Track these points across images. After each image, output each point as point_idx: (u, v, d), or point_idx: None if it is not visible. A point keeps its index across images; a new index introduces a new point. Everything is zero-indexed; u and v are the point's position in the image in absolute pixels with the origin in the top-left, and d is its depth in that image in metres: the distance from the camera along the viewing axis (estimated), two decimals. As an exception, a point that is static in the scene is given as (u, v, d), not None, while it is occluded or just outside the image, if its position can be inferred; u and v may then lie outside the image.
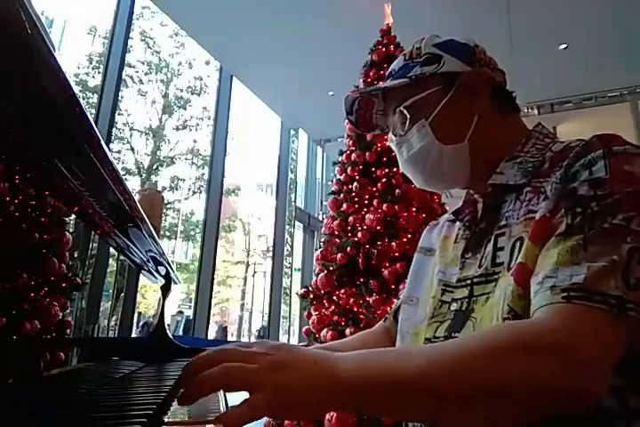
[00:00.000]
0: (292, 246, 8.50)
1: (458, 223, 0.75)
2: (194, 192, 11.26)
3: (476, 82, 0.69)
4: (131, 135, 10.47)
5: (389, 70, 0.75)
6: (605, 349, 0.44)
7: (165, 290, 1.23)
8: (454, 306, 0.64)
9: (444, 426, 0.49)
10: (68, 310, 0.64)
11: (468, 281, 0.64)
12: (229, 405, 0.58)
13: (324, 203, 6.00)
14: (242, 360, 0.40)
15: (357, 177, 3.58)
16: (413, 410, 0.44)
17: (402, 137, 0.71)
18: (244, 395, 0.39)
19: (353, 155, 3.65)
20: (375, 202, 3.40)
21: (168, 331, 1.17)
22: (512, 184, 0.64)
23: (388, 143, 0.81)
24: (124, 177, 0.66)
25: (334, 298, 3.32)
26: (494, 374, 0.42)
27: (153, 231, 0.91)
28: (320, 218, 7.83)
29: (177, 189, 11.19)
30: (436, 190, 0.78)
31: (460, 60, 0.70)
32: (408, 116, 0.69)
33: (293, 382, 0.39)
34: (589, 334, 0.44)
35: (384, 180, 3.48)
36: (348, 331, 3.12)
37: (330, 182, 4.05)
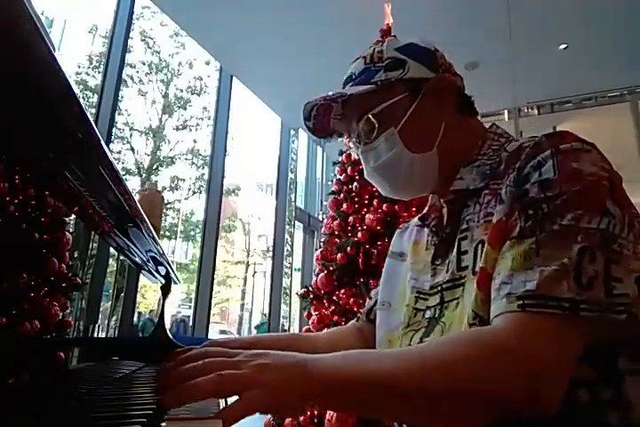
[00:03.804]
0: (292, 246, 8.51)
1: (426, 229, 0.75)
2: (194, 192, 11.27)
3: (442, 88, 0.68)
4: (131, 135, 10.48)
5: (348, 74, 0.73)
6: (559, 355, 0.46)
7: (165, 290, 1.23)
8: (428, 314, 0.65)
9: (407, 424, 0.56)
10: (68, 310, 0.64)
11: (439, 288, 0.64)
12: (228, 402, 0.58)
13: (324, 203, 6.00)
14: (230, 368, 0.42)
15: (357, 177, 3.58)
16: (378, 408, 0.46)
17: (368, 145, 0.70)
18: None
19: (353, 155, 3.64)
20: (375, 202, 3.41)
21: (168, 331, 1.17)
22: (472, 189, 0.64)
23: (352, 151, 0.78)
24: (124, 177, 0.66)
25: (334, 298, 3.32)
26: (453, 380, 0.44)
27: (153, 231, 0.91)
28: (320, 218, 7.83)
29: (177, 189, 11.21)
30: (402, 198, 0.76)
31: (424, 65, 0.68)
32: (376, 124, 0.67)
33: (279, 381, 0.42)
34: (543, 342, 0.46)
35: (384, 180, 3.47)
36: (348, 331, 3.12)
37: (330, 182, 4.05)
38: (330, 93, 0.68)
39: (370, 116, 0.67)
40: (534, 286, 0.47)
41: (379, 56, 0.69)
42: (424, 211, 0.77)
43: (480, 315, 0.54)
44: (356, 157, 0.77)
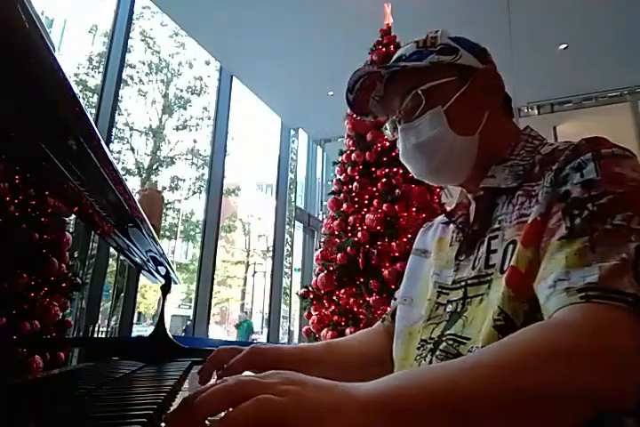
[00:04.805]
0: (292, 246, 8.51)
1: (452, 225, 0.75)
2: (194, 192, 11.28)
3: (491, 80, 0.70)
4: (131, 135, 10.49)
5: (398, 55, 0.74)
6: (635, 347, 0.43)
7: (165, 290, 1.23)
8: (450, 308, 0.65)
9: None
10: (68, 310, 0.64)
11: (463, 283, 0.64)
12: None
13: (324, 203, 6.00)
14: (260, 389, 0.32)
15: (357, 177, 3.58)
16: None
17: (409, 123, 0.70)
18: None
19: (353, 155, 3.65)
20: (375, 202, 3.41)
21: (168, 331, 1.17)
22: (504, 187, 0.64)
23: (385, 132, 0.78)
24: (123, 177, 0.66)
25: (334, 298, 3.32)
26: (534, 379, 0.39)
27: (153, 231, 0.91)
28: (320, 218, 7.83)
29: (177, 189, 11.21)
30: (434, 182, 0.76)
31: (475, 56, 0.70)
32: (424, 100, 0.68)
33: (308, 395, 0.33)
34: (618, 332, 0.43)
35: (384, 180, 3.48)
36: (347, 331, 3.12)
37: (330, 182, 4.05)
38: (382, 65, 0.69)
39: (419, 91, 0.68)
40: (595, 279, 0.45)
41: (432, 42, 0.71)
42: (451, 208, 0.78)
43: (505, 311, 0.54)
44: (391, 139, 0.78)
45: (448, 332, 0.62)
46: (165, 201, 5.67)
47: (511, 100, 0.74)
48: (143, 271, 1.13)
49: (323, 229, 3.77)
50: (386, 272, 3.11)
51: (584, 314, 0.44)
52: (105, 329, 0.87)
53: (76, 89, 0.44)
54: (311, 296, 3.42)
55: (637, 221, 0.49)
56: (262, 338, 10.35)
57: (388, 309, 0.89)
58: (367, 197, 3.49)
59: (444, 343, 0.61)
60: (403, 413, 0.33)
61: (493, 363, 0.39)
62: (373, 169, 3.55)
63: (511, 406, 0.38)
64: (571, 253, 0.50)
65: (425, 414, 0.34)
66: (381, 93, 0.74)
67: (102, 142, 0.54)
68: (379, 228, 3.26)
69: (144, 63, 10.52)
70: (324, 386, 0.35)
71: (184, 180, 11.14)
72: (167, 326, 1.18)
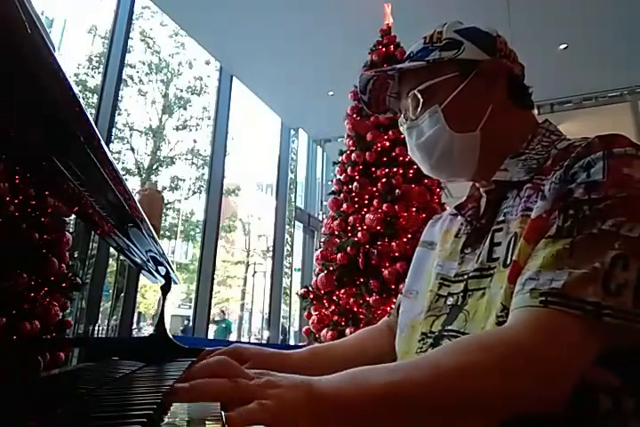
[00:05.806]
0: (292, 246, 8.51)
1: (459, 218, 0.75)
2: (194, 192, 11.30)
3: (494, 71, 0.68)
4: (131, 135, 10.51)
5: (408, 52, 0.75)
6: (572, 356, 0.45)
7: (165, 290, 1.23)
8: (450, 300, 0.64)
9: None
10: (68, 310, 0.64)
11: (465, 276, 0.64)
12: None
13: (324, 203, 6.00)
14: (244, 377, 0.42)
15: (357, 177, 3.58)
16: (384, 424, 0.43)
17: (413, 122, 0.71)
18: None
19: (353, 155, 3.65)
20: (375, 202, 3.41)
21: (168, 331, 1.17)
22: (515, 181, 0.63)
23: (401, 128, 0.79)
24: (124, 177, 0.66)
25: (334, 298, 3.33)
26: (466, 388, 0.43)
27: (153, 231, 0.91)
28: (320, 218, 7.83)
29: (177, 189, 11.22)
30: (441, 179, 0.77)
31: (480, 48, 0.69)
32: (421, 100, 0.68)
33: (287, 397, 0.41)
34: (559, 341, 0.45)
35: (384, 180, 3.48)
36: (347, 331, 3.12)
37: (330, 182, 4.05)
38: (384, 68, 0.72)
39: (415, 91, 0.69)
40: (560, 285, 0.47)
41: (438, 37, 0.71)
42: (461, 200, 0.77)
43: (507, 307, 0.53)
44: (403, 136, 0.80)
45: (449, 327, 0.62)
46: (165, 201, 5.67)
47: (528, 90, 0.72)
48: (143, 271, 1.13)
49: (323, 229, 3.78)
50: (386, 272, 3.11)
51: (535, 320, 0.47)
52: (105, 329, 0.87)
53: (76, 89, 0.44)
54: (311, 296, 3.42)
55: (629, 227, 0.48)
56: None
57: (394, 305, 0.89)
58: (367, 197, 3.49)
59: (446, 340, 0.61)
60: (343, 405, 0.41)
61: (433, 365, 0.45)
62: (373, 169, 3.55)
63: (444, 406, 0.43)
64: (549, 253, 0.50)
65: (359, 408, 0.41)
66: (397, 90, 0.75)
67: (102, 142, 0.54)
68: (379, 228, 3.27)
69: (144, 63, 10.53)
70: (290, 377, 0.43)
71: (184, 180, 11.17)
72: (167, 326, 1.18)
